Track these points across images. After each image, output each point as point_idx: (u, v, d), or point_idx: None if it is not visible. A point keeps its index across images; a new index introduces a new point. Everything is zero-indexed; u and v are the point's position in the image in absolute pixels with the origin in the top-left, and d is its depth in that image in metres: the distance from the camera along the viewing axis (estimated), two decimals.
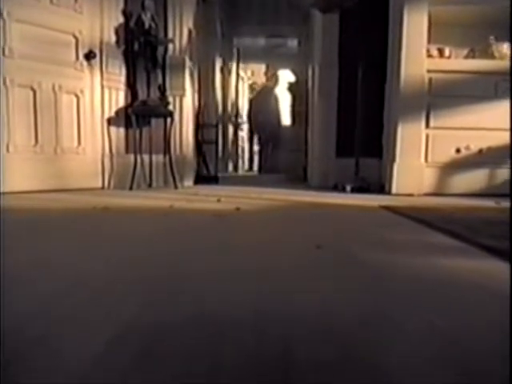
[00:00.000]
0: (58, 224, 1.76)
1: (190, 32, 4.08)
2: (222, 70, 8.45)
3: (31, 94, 3.14)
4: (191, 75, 4.22)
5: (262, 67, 11.00)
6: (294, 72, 7.97)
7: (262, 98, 8.14)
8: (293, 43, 9.47)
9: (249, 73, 11.15)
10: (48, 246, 1.31)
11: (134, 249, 1.28)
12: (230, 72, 8.72)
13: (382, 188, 3.62)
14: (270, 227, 1.71)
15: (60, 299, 0.80)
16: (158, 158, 3.86)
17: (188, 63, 4.05)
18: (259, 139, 8.04)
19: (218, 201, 2.56)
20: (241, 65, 9.46)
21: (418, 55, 3.24)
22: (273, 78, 8.62)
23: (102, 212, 2.07)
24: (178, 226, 1.71)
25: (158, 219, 1.89)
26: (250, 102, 8.59)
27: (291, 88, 7.36)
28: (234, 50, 9.26)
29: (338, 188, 3.77)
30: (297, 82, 7.22)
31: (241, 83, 10.29)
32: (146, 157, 3.81)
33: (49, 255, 1.17)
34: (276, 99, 8.81)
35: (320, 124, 4.13)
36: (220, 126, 7.23)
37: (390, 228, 1.76)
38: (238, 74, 8.84)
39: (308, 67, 4.76)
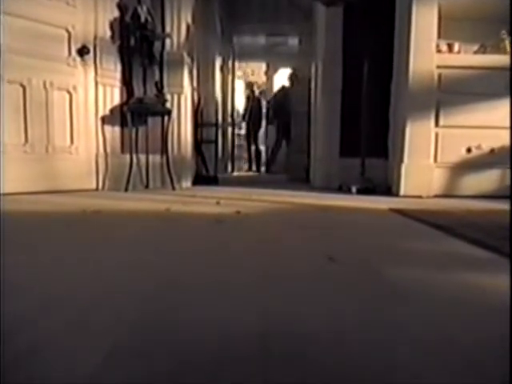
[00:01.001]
0: (40, 230, 1.60)
1: (188, 27, 3.93)
2: (221, 68, 8.30)
3: (21, 90, 2.99)
4: (190, 72, 4.07)
5: (263, 66, 10.84)
6: (290, 76, 7.84)
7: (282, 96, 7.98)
8: (293, 42, 9.33)
9: (249, 71, 10.99)
10: (21, 258, 1.15)
11: (119, 259, 1.13)
12: (229, 71, 8.57)
13: (388, 189, 3.47)
14: (274, 234, 1.56)
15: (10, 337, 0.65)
16: (154, 158, 3.71)
17: (186, 59, 3.90)
18: (278, 133, 7.80)
19: (217, 203, 2.41)
20: (241, 64, 9.30)
21: (428, 50, 3.09)
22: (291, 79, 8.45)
23: (92, 216, 1.92)
24: (172, 233, 1.56)
25: (150, 225, 1.74)
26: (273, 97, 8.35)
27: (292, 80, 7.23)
28: (234, 48, 9.11)
29: (342, 189, 3.62)
30: (297, 80, 7.07)
31: (241, 82, 10.15)
32: (142, 157, 3.66)
33: (17, 272, 1.02)
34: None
35: (323, 123, 3.98)
36: (220, 125, 7.10)
37: (407, 235, 1.60)
38: (233, 73, 8.65)
39: (311, 65, 4.61)
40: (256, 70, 11.39)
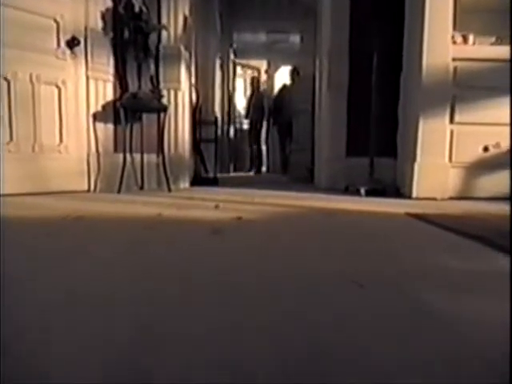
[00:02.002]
0: (10, 240, 1.38)
1: (185, 19, 3.71)
2: (221, 66, 8.08)
3: (5, 84, 2.77)
4: (187, 67, 3.85)
5: (263, 64, 10.61)
6: (291, 72, 7.62)
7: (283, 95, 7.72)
8: (295, 39, 9.13)
9: (249, 70, 10.76)
10: None
11: (82, 283, 0.91)
12: (228, 68, 8.35)
13: (396, 190, 3.24)
14: (283, 246, 1.34)
15: None
16: (150, 158, 3.49)
17: (184, 53, 3.68)
18: (279, 132, 7.50)
19: (216, 207, 2.19)
20: (241, 61, 9.08)
21: (442, 42, 2.87)
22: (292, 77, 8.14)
23: (72, 224, 1.70)
24: (158, 246, 1.33)
25: (134, 237, 1.47)
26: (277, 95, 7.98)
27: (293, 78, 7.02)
28: (234, 46, 8.91)
29: (349, 190, 3.40)
30: (298, 77, 6.86)
31: (241, 80, 9.93)
32: (137, 156, 3.44)
33: None
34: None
35: (329, 121, 3.76)
36: (219, 124, 6.86)
37: (437, 248, 1.38)
38: (233, 70, 8.41)
39: (315, 60, 4.39)
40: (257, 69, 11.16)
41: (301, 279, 0.97)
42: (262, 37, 9.46)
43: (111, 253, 1.22)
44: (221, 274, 1.00)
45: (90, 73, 3.20)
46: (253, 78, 8.56)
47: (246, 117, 8.36)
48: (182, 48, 3.64)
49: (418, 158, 2.96)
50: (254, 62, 10.06)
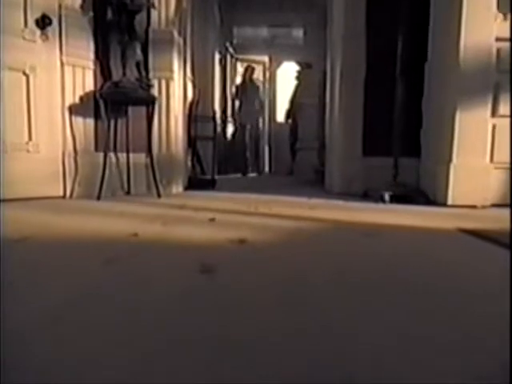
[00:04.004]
0: None
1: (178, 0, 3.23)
2: (221, 61, 7.60)
3: None
4: (181, 55, 3.37)
5: (266, 60, 10.14)
6: (300, 64, 7.14)
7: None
8: (298, 33, 8.69)
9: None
10: None
11: None
12: (226, 62, 7.87)
13: (423, 196, 2.75)
14: (318, 310, 0.84)
15: None
16: (138, 158, 3.01)
17: (177, 39, 3.21)
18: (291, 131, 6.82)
19: (211, 220, 1.71)
20: (241, 56, 8.61)
21: (485, 18, 2.40)
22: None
23: (12, 245, 1.22)
24: (107, 309, 0.80)
25: (85, 278, 0.97)
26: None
27: (299, 77, 6.56)
28: (235, 40, 8.45)
29: (369, 196, 2.91)
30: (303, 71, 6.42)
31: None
32: (123, 156, 2.97)
33: None
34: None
35: (343, 115, 3.28)
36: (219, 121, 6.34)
37: None
38: (225, 66, 7.88)
39: (326, 49, 3.91)
40: (258, 67, 10.68)
41: None
42: (264, 31, 9.03)
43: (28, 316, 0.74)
44: (201, 341, 0.52)
45: (64, 58, 2.72)
46: (248, 67, 7.62)
47: (239, 109, 7.23)
48: (175, 32, 3.17)
49: (454, 159, 2.48)
50: (255, 59, 9.57)
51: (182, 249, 1.22)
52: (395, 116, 2.85)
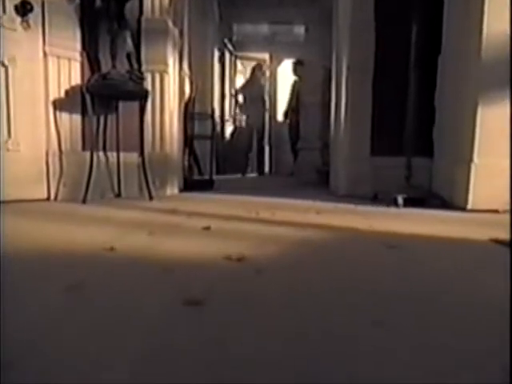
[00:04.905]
0: None
1: None
2: (220, 58, 7.37)
3: None
4: (176, 47, 3.15)
5: (267, 58, 9.92)
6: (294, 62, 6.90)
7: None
8: (299, 30, 8.46)
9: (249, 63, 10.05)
10: None
11: None
12: (225, 60, 7.64)
13: (439, 199, 2.52)
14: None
15: None
16: (129, 157, 2.79)
17: (172, 29, 2.98)
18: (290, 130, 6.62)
19: (206, 229, 1.48)
20: (241, 54, 8.40)
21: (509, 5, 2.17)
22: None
23: None
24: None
25: (32, 312, 0.74)
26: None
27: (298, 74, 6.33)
28: (234, 38, 8.23)
29: (379, 198, 2.69)
30: (302, 68, 6.18)
31: (241, 77, 9.21)
32: (113, 155, 2.75)
33: None
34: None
35: (349, 111, 3.05)
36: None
37: None
38: (224, 64, 7.64)
39: (331, 44, 3.69)
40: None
41: None
42: (264, 28, 8.83)
43: None
44: None
45: (48, 48, 2.50)
46: (256, 65, 7.42)
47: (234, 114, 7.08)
48: (170, 22, 2.95)
49: (475, 159, 2.25)
50: (255, 57, 9.34)
51: (166, 269, 0.99)
52: (408, 112, 2.63)
